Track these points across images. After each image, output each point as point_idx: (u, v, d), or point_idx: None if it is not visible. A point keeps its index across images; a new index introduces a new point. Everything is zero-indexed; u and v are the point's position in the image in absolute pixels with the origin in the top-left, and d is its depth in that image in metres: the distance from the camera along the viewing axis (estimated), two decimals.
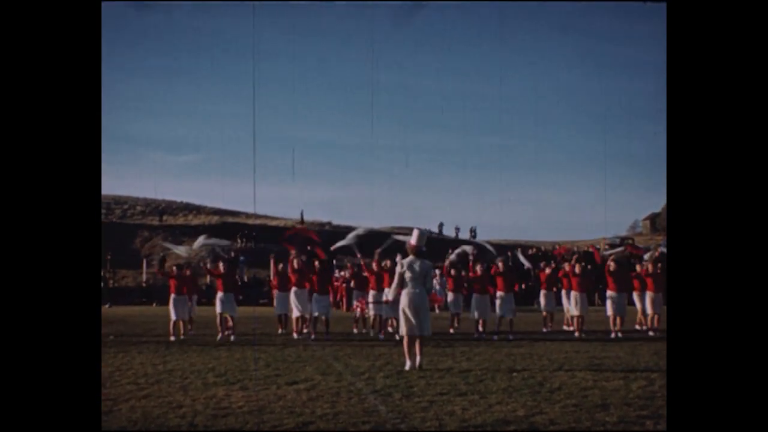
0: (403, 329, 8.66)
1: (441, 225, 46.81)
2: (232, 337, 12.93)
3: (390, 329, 13.49)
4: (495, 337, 13.05)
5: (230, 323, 13.23)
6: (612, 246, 32.36)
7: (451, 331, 14.73)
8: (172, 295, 13.42)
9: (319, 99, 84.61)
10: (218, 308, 13.20)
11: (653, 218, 64.02)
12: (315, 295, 13.52)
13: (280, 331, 14.33)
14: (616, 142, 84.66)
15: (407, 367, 8.51)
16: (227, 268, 13.66)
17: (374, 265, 13.81)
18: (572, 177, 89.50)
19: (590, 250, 27.18)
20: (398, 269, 8.75)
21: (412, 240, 8.84)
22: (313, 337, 13.13)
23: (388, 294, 9.30)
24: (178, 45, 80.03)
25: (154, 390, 7.13)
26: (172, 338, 12.98)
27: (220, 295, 13.29)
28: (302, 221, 45.96)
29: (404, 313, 8.61)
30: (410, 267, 8.64)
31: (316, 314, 13.42)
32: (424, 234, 9.02)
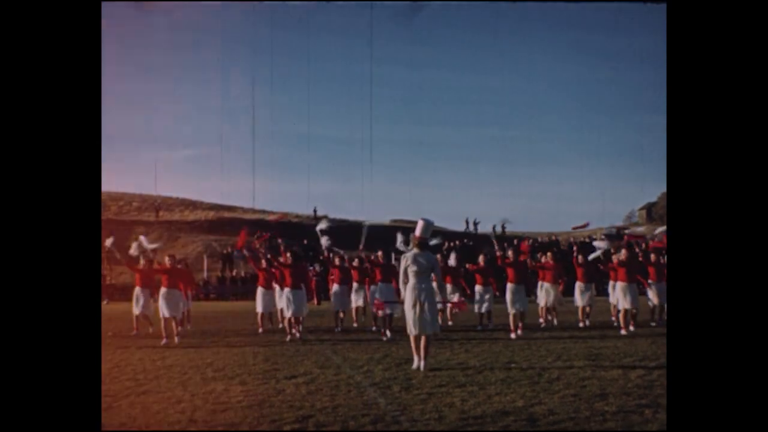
0: (409, 328, 8.02)
1: (476, 222, 46.54)
2: (175, 339, 11.73)
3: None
4: (513, 335, 11.81)
5: (174, 325, 11.99)
6: (609, 237, 32.34)
7: (450, 323, 14.72)
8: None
9: (318, 93, 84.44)
10: (163, 311, 11.94)
11: (649, 208, 64.13)
12: (287, 290, 12.17)
13: (280, 326, 14.31)
14: (612, 133, 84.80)
15: (415, 365, 7.93)
16: (172, 263, 12.48)
17: (380, 257, 13.26)
18: (568, 168, 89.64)
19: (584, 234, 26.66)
20: (402, 263, 8.08)
21: (417, 231, 8.20)
22: (288, 338, 11.85)
23: (402, 293, 8.35)
24: (175, 40, 79.92)
25: (154, 386, 7.12)
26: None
27: (163, 291, 12.02)
28: (315, 217, 45.72)
29: (410, 310, 7.98)
30: (415, 260, 8.01)
31: (289, 314, 12.09)
32: (429, 225, 8.32)
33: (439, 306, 10.37)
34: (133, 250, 13.33)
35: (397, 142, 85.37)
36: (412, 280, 8.01)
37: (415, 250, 8.12)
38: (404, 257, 8.13)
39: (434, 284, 8.11)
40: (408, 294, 8.02)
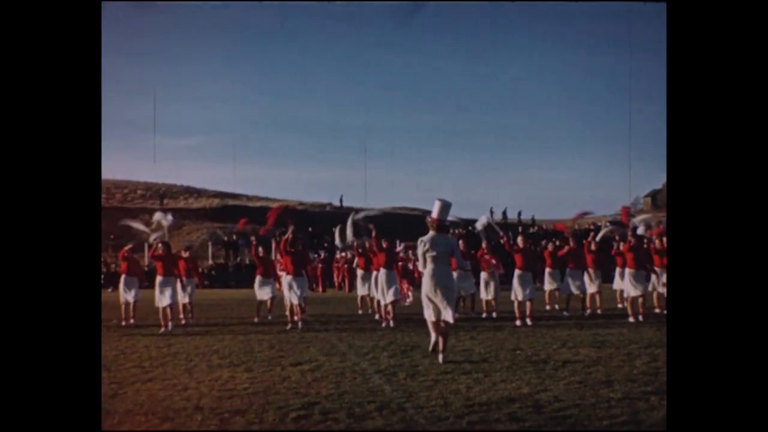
0: (427, 314, 7.62)
1: (504, 210, 46.28)
2: (169, 326, 11.70)
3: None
4: (519, 322, 11.82)
5: (169, 314, 11.85)
6: (613, 223, 32.31)
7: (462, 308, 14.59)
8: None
9: (321, 80, 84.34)
10: (156, 300, 11.90)
11: (654, 195, 63.96)
12: (289, 278, 11.95)
13: (286, 312, 14.19)
14: (618, 120, 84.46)
15: (432, 340, 7.73)
16: (166, 250, 12.26)
17: (383, 243, 12.82)
18: (572, 154, 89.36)
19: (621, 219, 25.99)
20: (420, 248, 7.62)
21: (434, 213, 7.71)
22: (289, 326, 11.66)
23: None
24: (179, 28, 79.73)
25: (159, 373, 7.14)
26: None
27: (159, 280, 11.98)
28: (341, 206, 45.40)
29: (428, 296, 7.56)
30: (433, 244, 7.55)
31: (294, 302, 11.87)
32: (447, 205, 7.77)
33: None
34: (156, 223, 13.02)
35: (396, 130, 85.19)
36: (429, 266, 7.56)
37: (433, 233, 7.65)
38: (421, 241, 7.65)
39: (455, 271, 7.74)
40: (425, 280, 7.59)
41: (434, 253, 7.53)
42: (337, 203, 48.06)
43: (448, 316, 7.45)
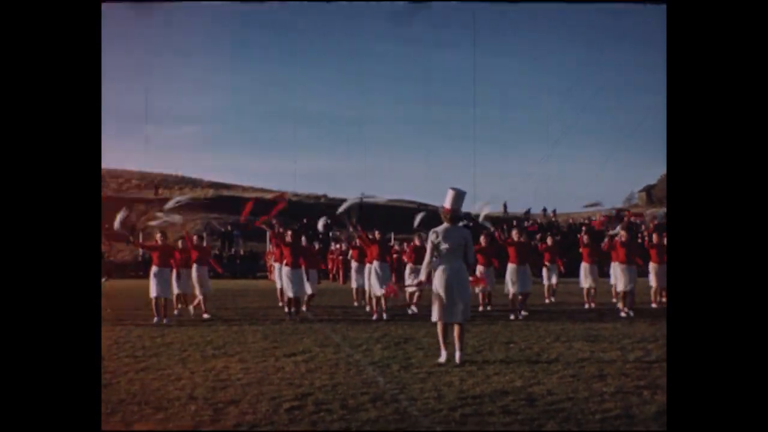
0: (436, 314, 7.09)
1: (528, 209, 46.31)
2: (164, 320, 11.40)
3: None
4: (513, 316, 11.69)
5: (163, 306, 11.61)
6: (609, 219, 32.42)
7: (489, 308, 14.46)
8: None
9: (315, 70, 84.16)
10: (152, 291, 11.60)
11: (649, 190, 64.07)
12: (287, 269, 12.10)
13: (280, 304, 14.16)
14: (612, 114, 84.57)
15: (441, 359, 7.00)
16: (163, 241, 12.04)
17: (376, 235, 12.75)
18: (566, 149, 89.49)
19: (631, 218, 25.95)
20: (431, 238, 7.11)
21: (446, 203, 7.16)
22: (288, 318, 11.65)
23: (422, 273, 7.35)
24: (174, 17, 79.42)
25: (153, 363, 7.14)
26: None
27: (154, 270, 11.73)
28: (361, 204, 45.05)
29: (439, 294, 7.05)
30: (446, 236, 7.05)
31: (291, 295, 11.96)
32: (461, 195, 7.20)
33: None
34: (117, 224, 12.07)
35: (393, 121, 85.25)
36: (442, 260, 7.07)
37: (446, 225, 7.14)
38: (434, 232, 7.13)
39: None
40: (437, 276, 7.09)
41: (447, 246, 7.04)
42: (328, 194, 47.94)
43: (461, 315, 7.01)
